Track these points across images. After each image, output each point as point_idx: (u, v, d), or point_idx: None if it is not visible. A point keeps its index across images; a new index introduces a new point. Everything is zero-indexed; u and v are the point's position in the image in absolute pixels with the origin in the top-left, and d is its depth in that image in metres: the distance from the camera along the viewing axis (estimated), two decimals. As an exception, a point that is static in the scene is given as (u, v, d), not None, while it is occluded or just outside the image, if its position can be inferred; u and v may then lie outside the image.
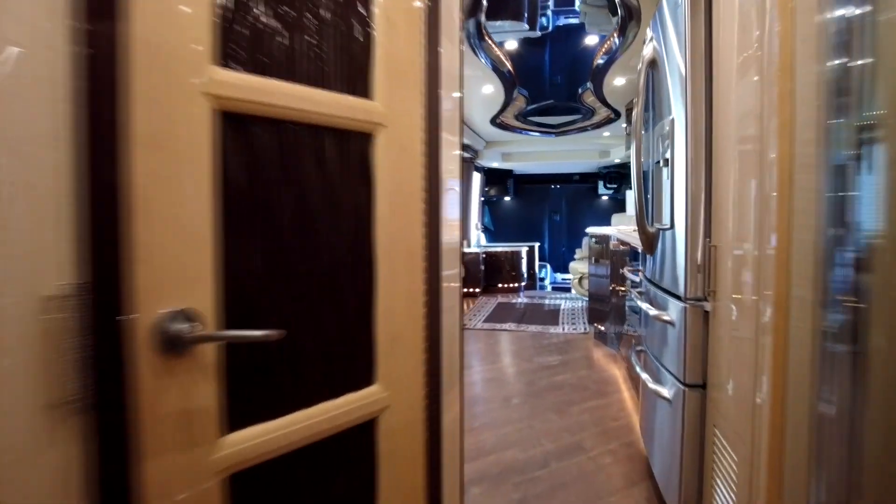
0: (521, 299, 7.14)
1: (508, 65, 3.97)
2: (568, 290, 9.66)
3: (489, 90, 4.40)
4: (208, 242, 0.77)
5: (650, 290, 1.98)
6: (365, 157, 1.00)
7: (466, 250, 7.47)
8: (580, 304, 6.47)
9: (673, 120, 1.62)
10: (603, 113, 5.57)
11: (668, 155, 1.66)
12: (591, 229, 4.84)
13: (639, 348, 2.24)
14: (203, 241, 0.76)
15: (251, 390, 0.85)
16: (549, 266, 10.09)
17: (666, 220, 1.70)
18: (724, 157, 1.37)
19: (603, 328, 4.50)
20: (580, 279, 5.33)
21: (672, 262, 1.66)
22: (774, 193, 1.01)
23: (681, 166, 1.55)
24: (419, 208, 1.10)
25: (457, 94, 1.28)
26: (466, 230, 7.90)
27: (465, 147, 7.06)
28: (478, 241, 8.23)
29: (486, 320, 5.60)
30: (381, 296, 1.02)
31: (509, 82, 4.30)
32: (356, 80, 0.99)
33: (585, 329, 5.05)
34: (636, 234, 3.55)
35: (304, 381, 0.93)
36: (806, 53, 0.94)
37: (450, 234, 1.27)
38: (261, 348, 0.84)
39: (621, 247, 3.67)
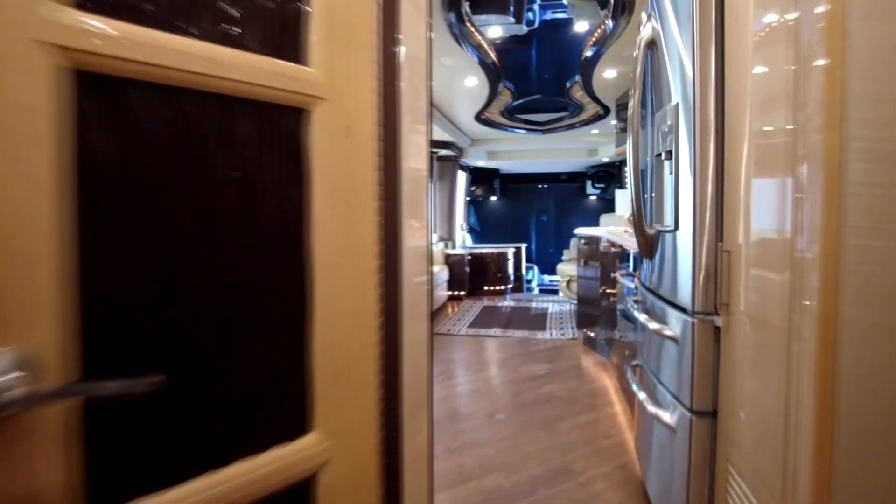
0: (508, 302, 6.95)
1: (493, 55, 3.77)
2: (556, 292, 9.51)
3: (473, 82, 4.19)
4: (52, 252, 0.54)
5: (647, 299, 1.79)
6: (295, 140, 0.77)
7: (451, 252, 7.26)
8: (568, 308, 6.29)
9: (676, 106, 1.42)
10: (592, 109, 5.39)
11: (670, 147, 1.46)
12: (579, 230, 4.66)
13: (634, 362, 2.04)
14: (42, 249, 0.53)
15: (130, 455, 0.63)
16: (536, 268, 9.92)
17: (668, 221, 1.51)
18: (739, 147, 1.17)
19: (592, 334, 4.32)
20: (568, 282, 5.16)
21: (675, 268, 1.46)
22: (819, 187, 0.81)
23: (686, 159, 1.36)
24: (372, 207, 0.88)
25: (421, 57, 1.06)
26: (451, 231, 7.69)
27: (449, 145, 6.85)
28: (463, 243, 8.03)
29: (471, 325, 5.39)
30: (318, 320, 0.79)
31: (494, 74, 4.09)
32: (284, 40, 0.76)
33: (574, 335, 4.87)
34: (628, 236, 3.37)
35: (209, 436, 0.70)
36: (865, 9, 0.74)
37: (414, 237, 1.04)
38: (142, 398, 0.62)
39: (612, 249, 3.48)
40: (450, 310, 6.58)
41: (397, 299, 0.97)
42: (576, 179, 9.79)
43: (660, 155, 1.58)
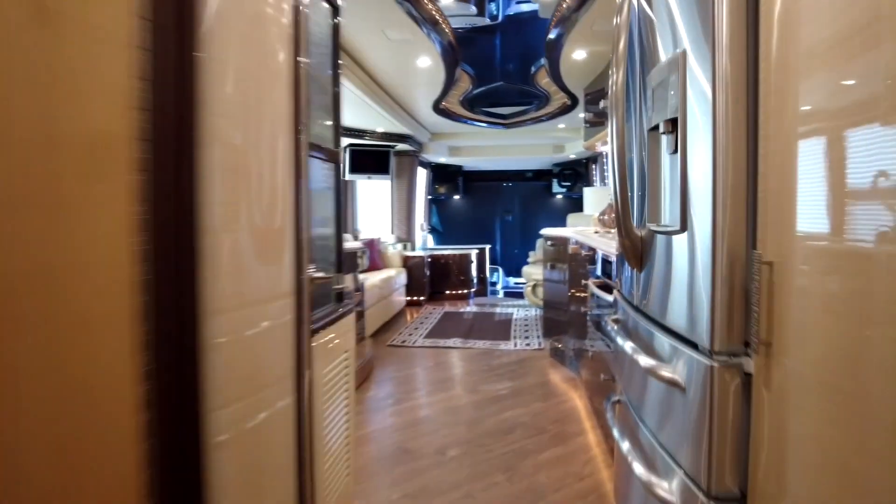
0: (471, 308, 6.53)
1: (449, 32, 3.33)
2: (521, 295, 9.17)
3: (426, 63, 3.74)
4: None
5: (633, 320, 1.38)
6: None
7: (410, 254, 6.79)
8: (534, 313, 5.93)
9: (684, 54, 1.00)
10: (558, 100, 5.03)
11: (673, 114, 1.04)
12: (545, 231, 4.28)
13: (615, 398, 1.63)
14: None
15: None
16: (501, 270, 9.56)
17: (669, 219, 1.09)
18: (788, 102, 0.76)
19: (560, 345, 3.94)
20: (534, 287, 4.78)
21: (679, 285, 1.04)
22: None
23: (700, 126, 0.94)
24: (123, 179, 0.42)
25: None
26: (411, 231, 7.22)
27: (406, 138, 6.38)
28: (424, 244, 7.56)
29: (430, 335, 4.93)
30: None
31: (450, 56, 3.65)
32: None
33: (540, 344, 4.48)
34: (599, 237, 2.99)
35: None
36: None
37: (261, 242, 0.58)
38: None
39: (582, 252, 3.10)
40: (408, 316, 6.12)
41: (193, 363, 0.51)
42: (542, 177, 9.48)
43: (654, 129, 1.17)
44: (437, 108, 5.13)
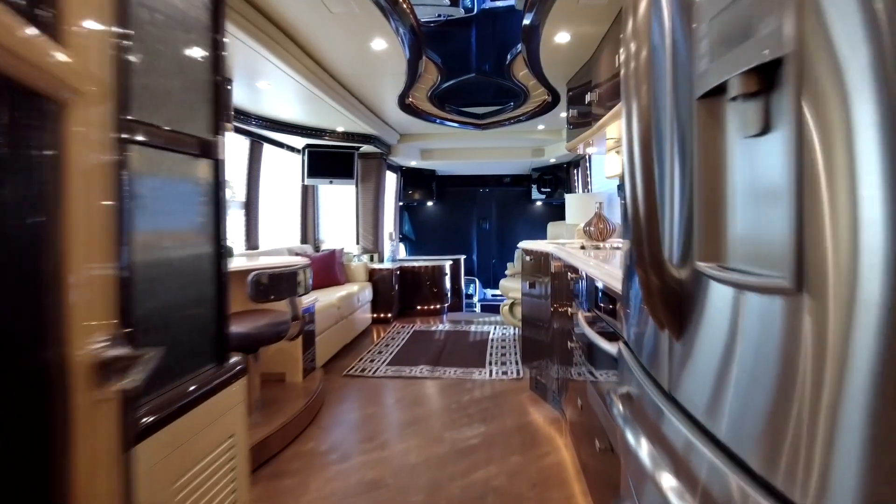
0: (443, 325, 6.00)
1: (408, 10, 2.81)
2: (498, 307, 8.68)
3: (381, 46, 3.21)
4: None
5: (654, 406, 0.87)
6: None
7: (376, 266, 6.23)
8: (512, 332, 5.43)
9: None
10: (538, 97, 4.57)
11: (778, 51, 0.53)
12: (523, 244, 3.78)
13: (625, 508, 1.12)
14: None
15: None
16: (477, 281, 9.05)
17: (753, 259, 0.58)
18: None
19: (541, 377, 3.43)
20: (511, 306, 4.29)
21: (765, 386, 0.53)
22: None
23: (845, 76, 0.43)
24: None
25: None
26: (378, 241, 6.66)
27: (371, 139, 5.84)
28: (392, 255, 7.00)
29: (394, 360, 4.38)
30: None
31: (413, 41, 3.14)
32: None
33: (519, 372, 3.97)
34: (584, 254, 2.48)
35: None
36: None
37: None
38: None
39: (568, 272, 2.60)
40: (374, 336, 5.56)
41: None
42: (520, 183, 9.02)
43: (712, 94, 0.66)
44: (403, 104, 4.61)
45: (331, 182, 6.01)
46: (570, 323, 2.50)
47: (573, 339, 2.37)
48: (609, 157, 3.94)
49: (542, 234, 9.16)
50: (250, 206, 4.86)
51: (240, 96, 4.02)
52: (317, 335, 3.80)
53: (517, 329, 5.12)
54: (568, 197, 5.34)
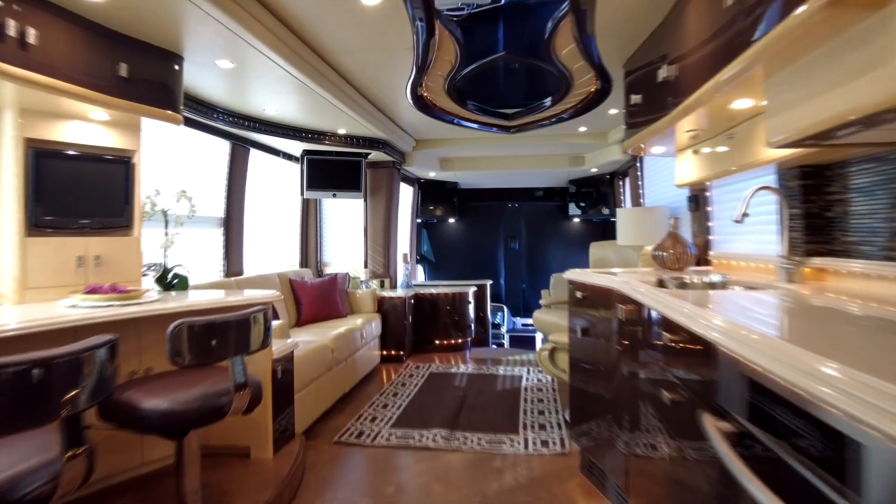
0: (466, 367, 5.11)
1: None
2: (529, 341, 7.76)
3: (373, 1, 2.42)
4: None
5: None
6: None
7: (387, 294, 5.41)
8: (552, 379, 4.52)
9: None
10: (583, 86, 3.72)
11: None
12: (571, 274, 2.90)
13: None
14: None
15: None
16: (505, 308, 8.15)
17: None
18: None
19: (597, 454, 2.51)
20: (552, 352, 3.38)
21: None
22: None
23: None
24: None
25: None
26: (390, 264, 5.85)
27: (382, 144, 5.07)
28: (406, 280, 6.16)
29: (400, 420, 3.51)
30: None
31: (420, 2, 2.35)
32: None
33: (564, 443, 3.06)
34: (677, 301, 1.48)
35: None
36: None
37: None
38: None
39: (649, 318, 1.72)
40: (383, 377, 4.73)
41: None
42: (553, 197, 8.13)
43: None
44: (416, 97, 3.83)
45: (334, 195, 5.26)
46: (640, 368, 1.62)
47: (642, 364, 1.48)
48: (683, 158, 3.05)
49: (580, 257, 8.21)
50: (231, 224, 4.11)
51: (212, 87, 3.29)
52: (296, 392, 2.97)
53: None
54: (620, 212, 4.44)
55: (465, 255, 8.59)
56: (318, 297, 4.65)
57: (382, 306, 5.30)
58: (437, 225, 8.50)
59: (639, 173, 5.32)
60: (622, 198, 6.51)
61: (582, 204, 7.29)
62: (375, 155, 5.26)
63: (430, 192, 7.56)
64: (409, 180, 6.96)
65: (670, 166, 4.59)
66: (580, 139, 5.48)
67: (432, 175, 6.94)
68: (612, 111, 4.42)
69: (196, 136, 3.75)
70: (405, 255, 6.12)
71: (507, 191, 8.24)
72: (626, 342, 2.12)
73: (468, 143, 5.69)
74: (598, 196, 7.05)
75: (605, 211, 7.04)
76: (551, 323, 5.02)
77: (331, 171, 5.19)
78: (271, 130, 4.21)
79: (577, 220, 8.05)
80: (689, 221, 3.60)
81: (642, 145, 3.12)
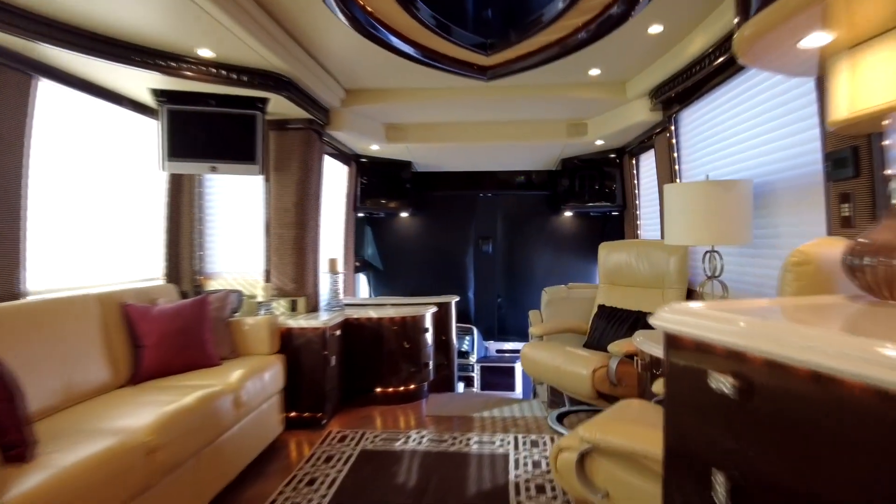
0: (420, 435, 3.44)
1: None
2: (508, 372, 6.18)
3: None
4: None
5: None
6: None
7: (299, 324, 3.66)
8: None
9: None
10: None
11: None
12: (670, 322, 1.26)
13: None
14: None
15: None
16: (476, 331, 6.51)
17: None
18: None
19: None
20: (582, 457, 1.83)
21: None
22: None
23: None
24: None
25: None
26: (305, 277, 4.12)
27: (287, 84, 3.34)
28: (332, 301, 4.42)
29: None
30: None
31: None
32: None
33: None
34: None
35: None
36: None
37: None
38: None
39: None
40: (290, 455, 3.04)
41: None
42: (541, 184, 6.54)
43: None
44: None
45: (213, 168, 3.51)
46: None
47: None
48: (850, 66, 1.44)
49: (575, 262, 6.58)
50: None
51: None
52: None
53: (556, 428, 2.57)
54: (669, 189, 2.86)
55: (424, 261, 6.92)
56: (171, 334, 2.91)
57: (290, 342, 3.58)
58: (386, 221, 6.80)
59: (674, 140, 3.80)
60: (636, 182, 5.02)
61: (580, 191, 5.74)
62: (278, 104, 3.53)
63: (373, 176, 5.82)
64: (344, 157, 5.26)
65: (716, 132, 3.12)
66: (587, 92, 3.92)
67: (375, 149, 5.25)
68: (654, 28, 2.87)
69: None
70: (332, 263, 4.39)
71: (479, 175, 6.57)
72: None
73: (425, 98, 4.05)
74: (599, 182, 5.53)
75: (607, 203, 5.54)
76: (549, 366, 3.42)
77: (208, 129, 3.44)
78: (75, 42, 2.47)
79: (569, 214, 6.51)
80: (824, 198, 2.09)
81: (773, 34, 1.53)
